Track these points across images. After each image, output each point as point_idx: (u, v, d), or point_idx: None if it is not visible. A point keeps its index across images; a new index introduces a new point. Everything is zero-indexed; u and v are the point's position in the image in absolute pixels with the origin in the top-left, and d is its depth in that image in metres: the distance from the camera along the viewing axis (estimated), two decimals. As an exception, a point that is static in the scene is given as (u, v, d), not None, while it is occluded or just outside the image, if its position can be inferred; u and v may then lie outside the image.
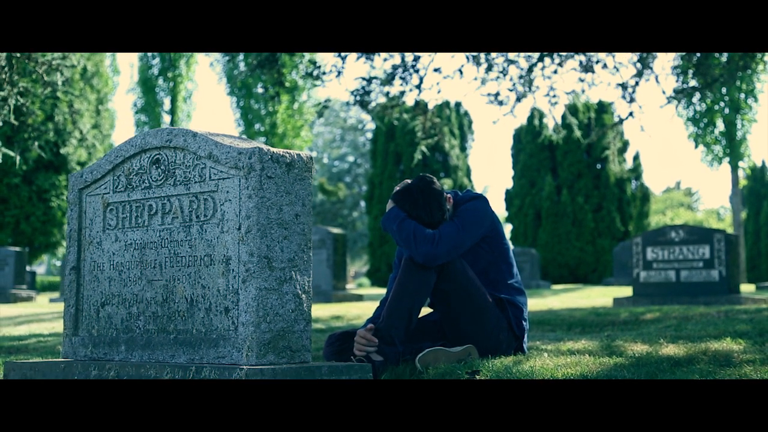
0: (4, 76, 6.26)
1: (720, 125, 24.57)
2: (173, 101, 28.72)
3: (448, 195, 3.68)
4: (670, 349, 3.63)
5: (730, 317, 5.78)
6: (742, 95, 24.16)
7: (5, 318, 8.81)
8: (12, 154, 6.20)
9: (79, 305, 3.28)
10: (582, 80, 9.63)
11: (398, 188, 3.64)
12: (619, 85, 9.42)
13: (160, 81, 28.58)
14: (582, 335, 5.19)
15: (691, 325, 5.20)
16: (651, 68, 9.38)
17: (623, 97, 9.48)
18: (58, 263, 47.40)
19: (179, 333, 2.95)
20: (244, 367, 2.64)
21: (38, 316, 8.97)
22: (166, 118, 28.89)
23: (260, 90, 25.99)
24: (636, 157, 26.23)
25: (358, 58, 9.17)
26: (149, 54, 28.46)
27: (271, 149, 2.82)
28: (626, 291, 12.74)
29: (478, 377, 3.09)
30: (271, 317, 2.77)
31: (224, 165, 2.86)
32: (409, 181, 3.67)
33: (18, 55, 6.44)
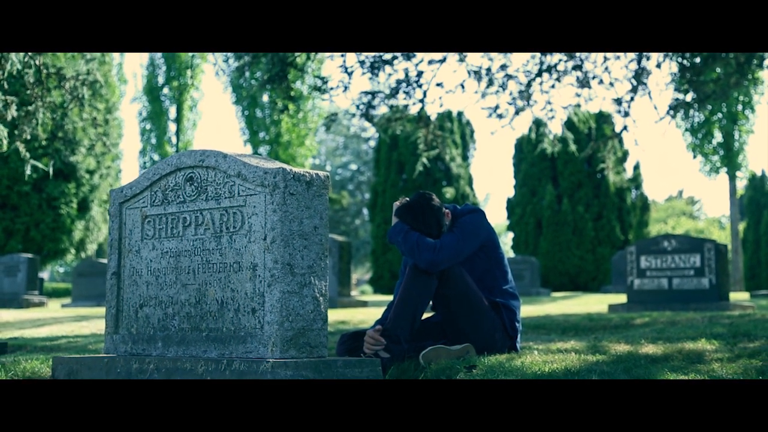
0: (33, 91, 6.65)
1: (718, 136, 24.95)
2: (179, 110, 29.17)
3: (447, 210, 4.08)
4: (649, 349, 4.00)
5: (713, 322, 6.14)
6: (740, 106, 24.53)
7: (26, 321, 9.20)
8: (41, 165, 6.57)
9: (120, 306, 3.68)
10: (579, 95, 10.02)
11: (400, 205, 4.04)
12: (615, 100, 9.80)
13: (166, 89, 29.06)
14: (573, 338, 5.55)
15: (674, 328, 5.56)
16: (645, 84, 9.76)
17: (618, 111, 9.86)
18: (62, 270, 47.77)
19: (211, 331, 3.34)
20: (270, 360, 3.04)
21: (56, 320, 9.35)
22: (172, 127, 29.33)
23: (265, 99, 26.42)
24: (636, 167, 26.60)
25: (363, 74, 9.54)
26: (155, 63, 28.93)
27: (294, 169, 3.22)
28: (623, 298, 13.06)
29: (474, 371, 3.48)
30: (293, 317, 3.16)
31: (252, 183, 3.26)
32: (408, 198, 4.07)
33: (45, 70, 6.83)
